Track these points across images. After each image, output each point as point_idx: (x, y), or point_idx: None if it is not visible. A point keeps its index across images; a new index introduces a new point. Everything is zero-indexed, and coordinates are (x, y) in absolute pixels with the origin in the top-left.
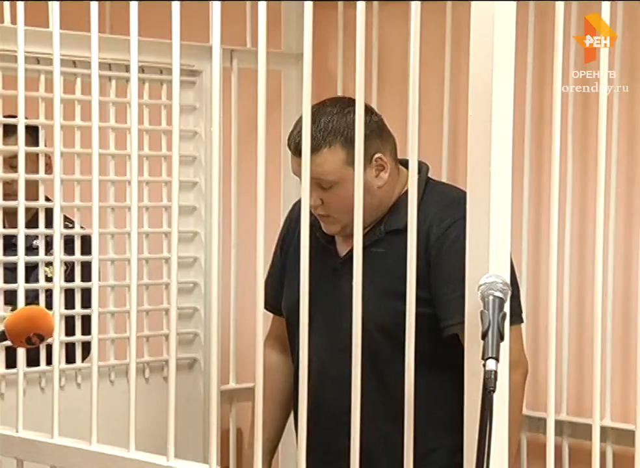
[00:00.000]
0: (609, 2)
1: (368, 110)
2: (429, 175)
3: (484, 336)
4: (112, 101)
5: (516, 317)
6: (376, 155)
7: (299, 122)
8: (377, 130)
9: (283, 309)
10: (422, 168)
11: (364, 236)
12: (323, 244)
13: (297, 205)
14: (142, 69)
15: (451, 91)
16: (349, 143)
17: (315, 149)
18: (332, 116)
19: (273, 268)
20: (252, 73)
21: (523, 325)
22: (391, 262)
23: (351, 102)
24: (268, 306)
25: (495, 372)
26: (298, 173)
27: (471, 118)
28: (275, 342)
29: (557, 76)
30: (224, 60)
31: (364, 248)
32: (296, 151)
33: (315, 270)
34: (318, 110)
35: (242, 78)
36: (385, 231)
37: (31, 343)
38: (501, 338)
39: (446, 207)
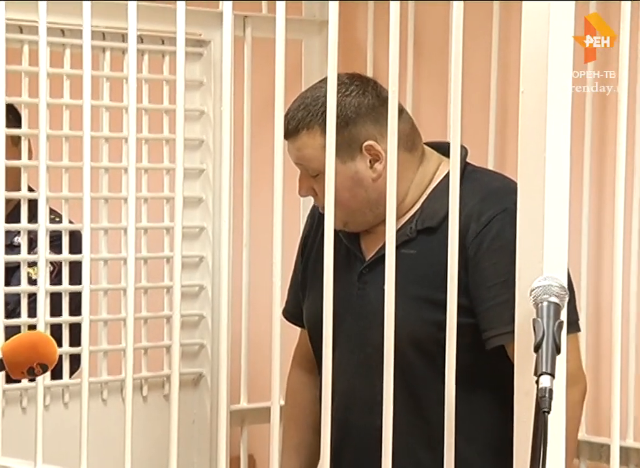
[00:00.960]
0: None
1: (365, 90)
2: (467, 160)
3: (537, 348)
4: (106, 75)
5: (573, 326)
6: (367, 143)
7: (293, 102)
8: (372, 113)
9: (305, 321)
10: (460, 151)
11: None
12: (347, 245)
13: None
14: (141, 39)
15: (499, 64)
16: None
17: (294, 131)
18: (320, 94)
19: (295, 273)
20: (268, 43)
21: (581, 336)
22: (423, 265)
23: (348, 80)
24: (288, 315)
25: (551, 389)
26: (294, 160)
27: (523, 96)
28: (303, 358)
29: (625, 48)
30: (235, 28)
31: None
32: (286, 133)
33: (339, 276)
34: (312, 87)
35: (257, 49)
36: (416, 229)
37: (33, 374)
38: (557, 350)
39: (485, 199)
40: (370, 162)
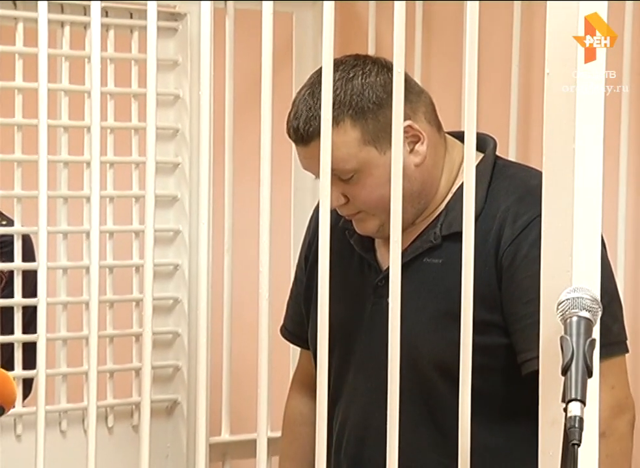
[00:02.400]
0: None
1: (382, 66)
2: (497, 153)
3: (565, 370)
4: (65, 54)
5: (619, 346)
6: (405, 124)
7: (296, 99)
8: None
9: (311, 341)
10: (487, 143)
11: (413, 242)
12: (360, 254)
13: None
14: (105, 12)
15: (521, 41)
16: (361, 115)
17: (319, 131)
18: (334, 84)
19: (296, 286)
20: (253, 17)
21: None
22: (451, 276)
23: (357, 61)
24: (288, 334)
25: (581, 418)
26: (309, 167)
27: (549, 78)
28: (303, 385)
29: None
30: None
31: (415, 258)
32: (298, 137)
33: (351, 290)
34: (317, 79)
35: (241, 24)
36: (442, 234)
37: None
38: (589, 373)
39: (522, 200)
40: (409, 145)
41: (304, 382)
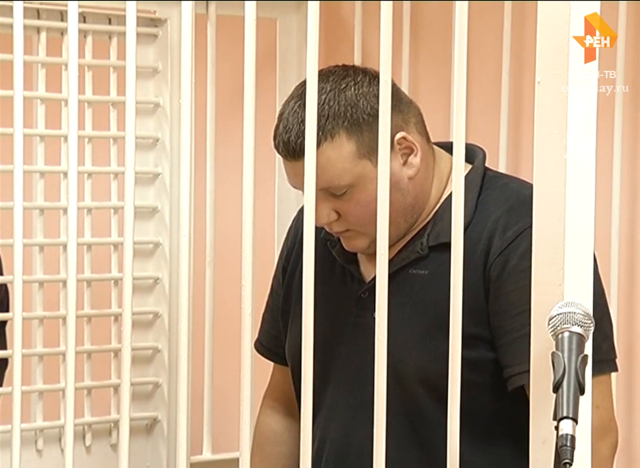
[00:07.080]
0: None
1: (373, 76)
2: (487, 164)
3: (556, 388)
4: (41, 61)
5: (608, 364)
6: (399, 135)
7: (284, 112)
8: (393, 101)
9: (288, 356)
10: (476, 154)
11: (399, 252)
12: (343, 265)
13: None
14: (83, 17)
15: (512, 49)
16: (357, 127)
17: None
18: (326, 95)
19: (272, 298)
20: (236, 23)
21: (613, 377)
22: (438, 288)
23: (347, 71)
24: (262, 348)
25: (573, 437)
26: (298, 185)
27: (540, 87)
28: (277, 401)
29: None
30: (197, 4)
31: (400, 269)
32: (289, 152)
33: (333, 302)
34: (305, 90)
35: (223, 30)
36: (428, 245)
37: None
38: (581, 391)
39: (512, 210)
40: (402, 157)
41: (277, 399)
